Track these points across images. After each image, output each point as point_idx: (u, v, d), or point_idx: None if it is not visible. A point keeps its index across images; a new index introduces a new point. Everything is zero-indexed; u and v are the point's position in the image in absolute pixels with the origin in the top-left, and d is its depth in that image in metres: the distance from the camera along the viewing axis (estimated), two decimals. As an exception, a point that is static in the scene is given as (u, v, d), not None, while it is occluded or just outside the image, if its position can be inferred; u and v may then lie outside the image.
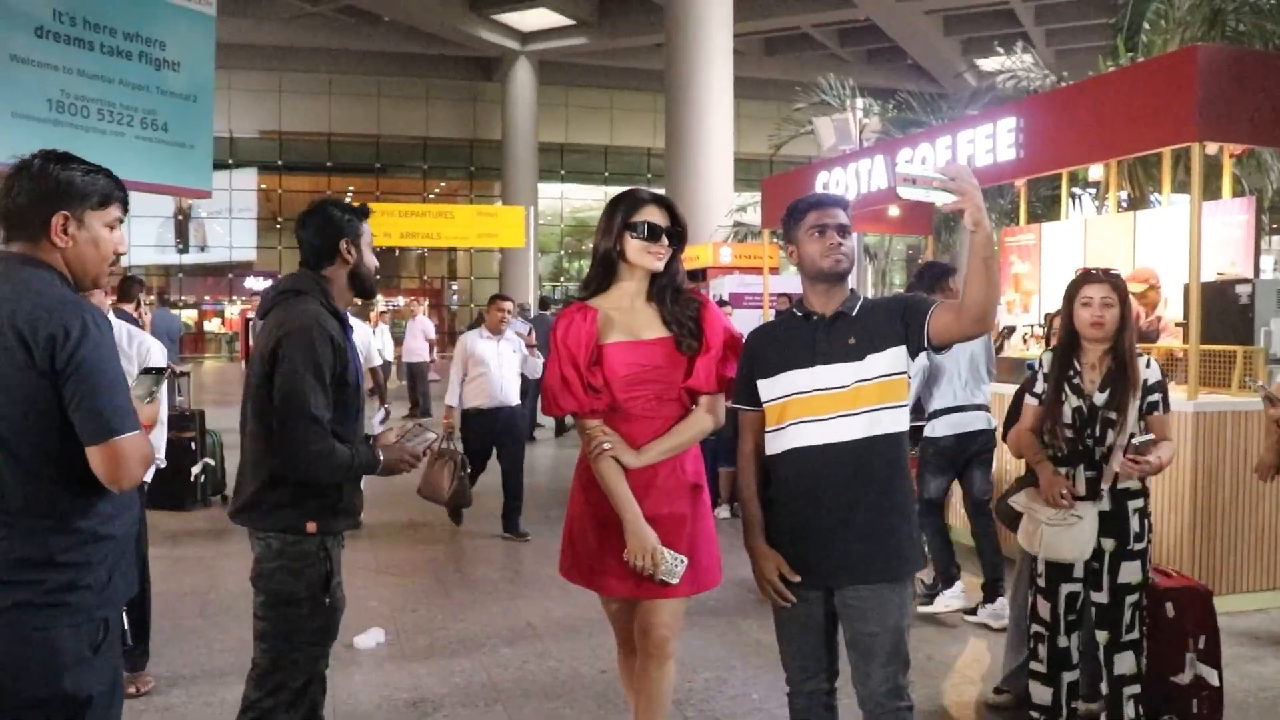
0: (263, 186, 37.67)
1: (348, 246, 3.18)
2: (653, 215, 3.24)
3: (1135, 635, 3.88)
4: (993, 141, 7.40)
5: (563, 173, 38.97)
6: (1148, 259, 7.94)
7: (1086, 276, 3.97)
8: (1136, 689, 3.86)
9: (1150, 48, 10.81)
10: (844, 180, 9.52)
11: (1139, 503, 3.89)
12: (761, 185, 11.51)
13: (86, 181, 2.44)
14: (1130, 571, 3.86)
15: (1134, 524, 3.86)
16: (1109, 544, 3.84)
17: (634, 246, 3.23)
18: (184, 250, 30.44)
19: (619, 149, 38.10)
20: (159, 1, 20.82)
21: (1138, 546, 3.87)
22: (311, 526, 3.08)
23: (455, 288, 39.56)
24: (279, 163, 37.47)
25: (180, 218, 26.66)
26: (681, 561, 3.14)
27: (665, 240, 3.23)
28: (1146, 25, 10.73)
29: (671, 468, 3.26)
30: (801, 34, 34.13)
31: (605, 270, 3.31)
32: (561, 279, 40.49)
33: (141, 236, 32.75)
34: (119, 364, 2.40)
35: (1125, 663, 3.86)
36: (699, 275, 15.36)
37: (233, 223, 36.49)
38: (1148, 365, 3.93)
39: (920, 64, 34.70)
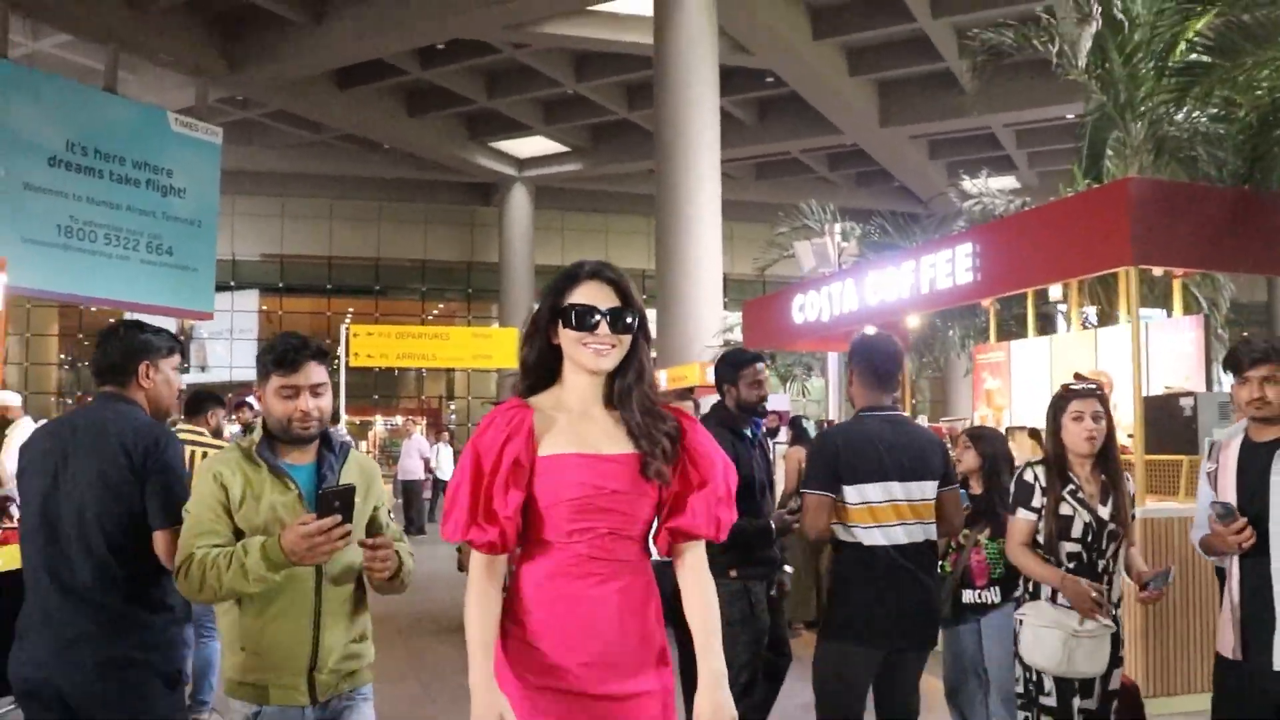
0: (264, 308, 38.36)
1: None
2: (589, 294, 2.43)
3: None
4: (952, 266, 7.88)
5: (561, 295, 39.74)
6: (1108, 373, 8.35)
7: (1074, 391, 4.01)
8: None
9: (1111, 174, 11.36)
10: (817, 303, 9.98)
11: (1117, 611, 3.98)
12: (743, 308, 11.99)
13: (158, 339, 3.40)
14: (1116, 678, 4.00)
15: (1122, 632, 4.02)
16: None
17: (567, 339, 2.44)
18: (185, 370, 30.88)
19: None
20: (167, 131, 21.85)
21: (1121, 653, 4.02)
22: None
23: (453, 407, 39.93)
24: (280, 285, 38.21)
25: (182, 338, 27.01)
26: None
27: (607, 327, 2.41)
28: (1110, 152, 11.25)
29: (638, 624, 2.46)
30: (791, 159, 35.04)
31: (541, 363, 2.52)
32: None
33: (143, 358, 33.29)
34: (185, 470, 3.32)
35: None
36: (687, 394, 15.75)
37: (233, 343, 37.04)
38: (1127, 479, 4.07)
39: (907, 186, 35.58)
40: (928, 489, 4.25)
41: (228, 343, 36.73)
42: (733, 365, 5.07)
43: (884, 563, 4.11)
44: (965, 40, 19.67)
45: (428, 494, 19.02)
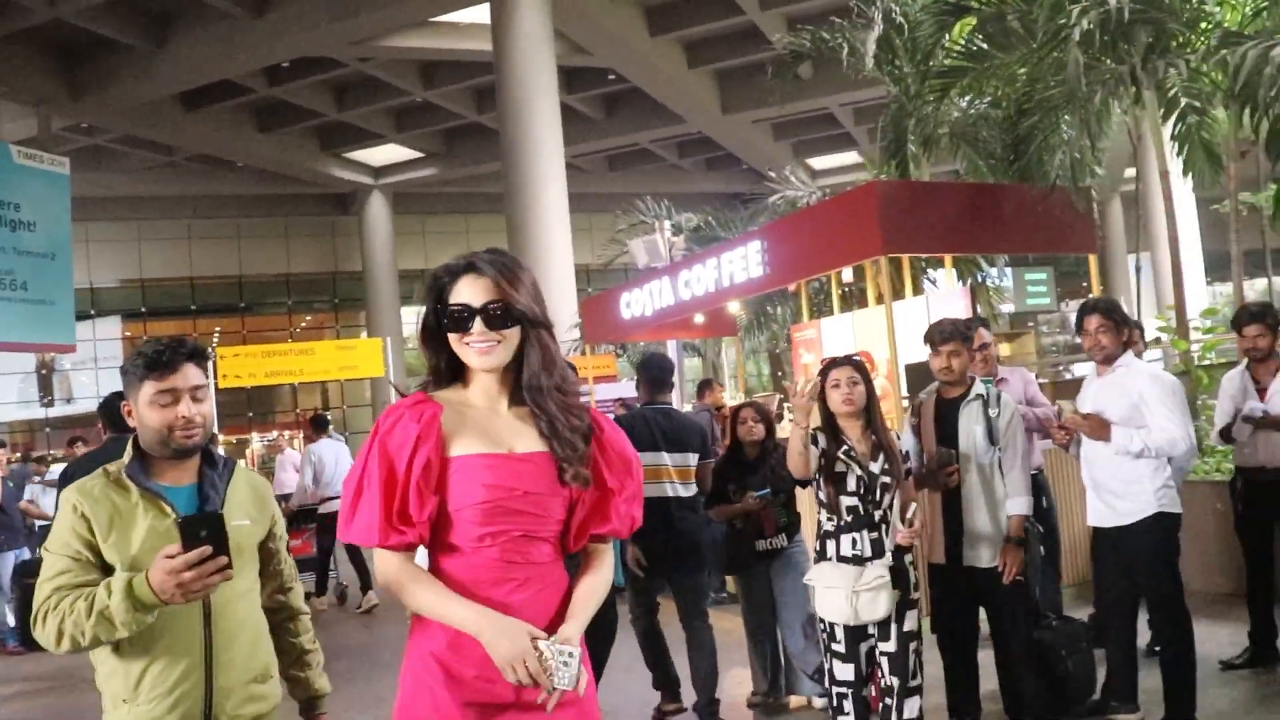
0: (127, 334, 37.88)
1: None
2: (464, 291, 2.31)
3: (919, 681, 4.45)
4: (745, 261, 8.87)
5: (425, 297, 40.00)
6: (907, 344, 9.43)
7: (832, 362, 4.64)
8: None
9: (914, 157, 12.45)
10: (641, 299, 10.94)
11: (910, 556, 4.51)
12: (581, 306, 12.88)
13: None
14: (911, 620, 4.44)
15: (911, 575, 4.48)
16: (896, 595, 4.37)
17: (452, 340, 2.34)
18: (49, 404, 30.52)
19: (479, 270, 39.25)
20: (10, 164, 21.59)
21: (915, 596, 4.49)
22: None
23: (330, 417, 40.15)
24: (142, 309, 37.78)
25: (44, 371, 26.94)
26: (573, 655, 2.22)
27: (483, 324, 2.29)
28: (911, 137, 12.31)
29: (557, 627, 2.32)
30: (642, 149, 35.96)
31: (448, 364, 2.40)
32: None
33: (3, 393, 32.86)
34: None
35: (913, 707, 4.41)
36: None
37: (98, 372, 36.62)
38: (898, 436, 4.76)
39: (756, 169, 36.75)
40: (689, 459, 5.83)
41: (92, 372, 36.33)
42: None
43: (658, 511, 5.32)
44: (792, 31, 20.81)
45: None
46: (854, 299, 12.16)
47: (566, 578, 2.42)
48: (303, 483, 11.26)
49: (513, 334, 2.31)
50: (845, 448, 4.45)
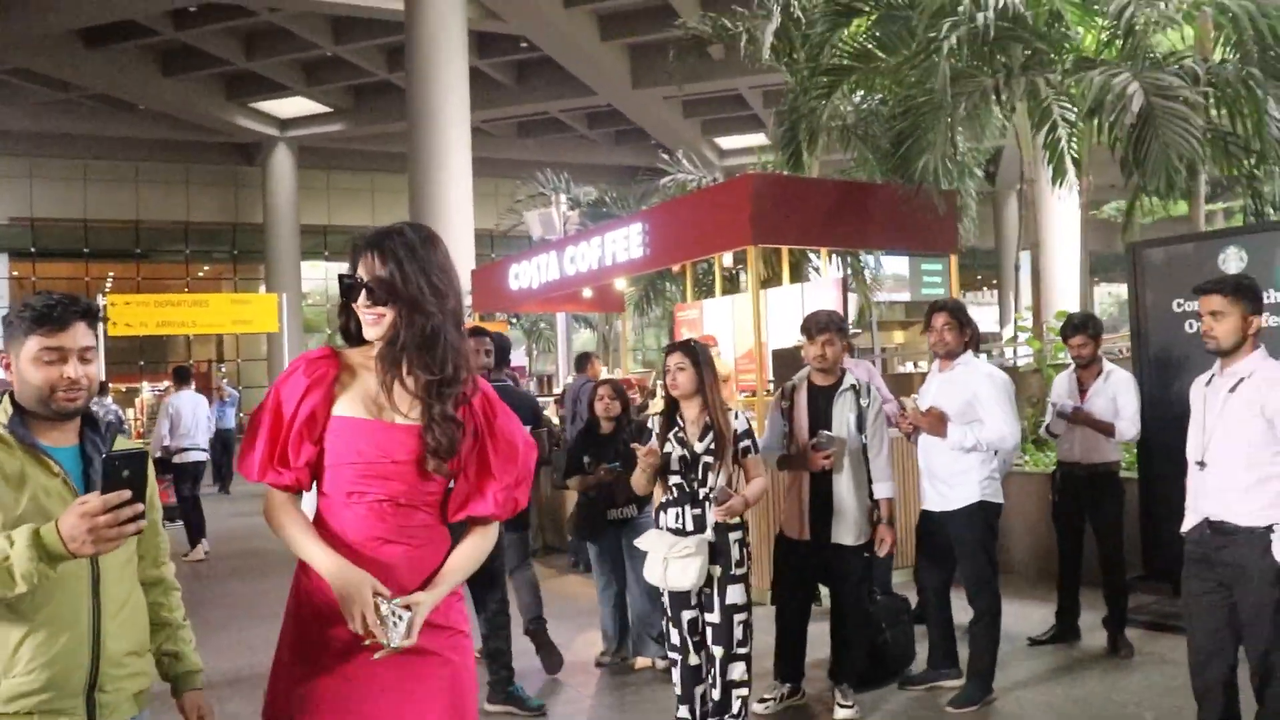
0: (15, 274, 37.01)
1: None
2: (362, 265, 2.45)
3: (746, 649, 4.76)
4: (628, 242, 9.20)
5: (326, 253, 39.69)
6: (777, 327, 9.85)
7: (668, 347, 4.99)
8: (745, 692, 4.79)
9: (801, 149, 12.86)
10: (529, 272, 11.23)
11: (738, 534, 4.75)
12: (471, 276, 13.11)
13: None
14: (735, 593, 4.70)
15: (735, 553, 4.70)
16: (716, 571, 4.66)
17: (354, 309, 2.49)
18: (-74, 343, 29.76)
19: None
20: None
21: (739, 572, 4.71)
22: None
23: (224, 370, 39.65)
24: (32, 249, 36.94)
25: (-74, 310, 26.23)
26: (404, 614, 2.34)
27: (365, 297, 2.42)
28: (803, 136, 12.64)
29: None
30: (551, 118, 36.05)
31: (354, 325, 2.54)
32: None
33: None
34: None
35: (737, 670, 4.74)
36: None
37: (-16, 312, 35.79)
38: (736, 417, 4.86)
39: (663, 144, 37.06)
40: None
41: (-23, 310, 35.47)
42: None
43: None
44: (704, 11, 21.10)
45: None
46: (736, 282, 12.57)
47: (448, 541, 2.54)
48: (159, 433, 11.24)
49: (392, 311, 2.41)
50: (677, 428, 4.78)
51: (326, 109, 34.36)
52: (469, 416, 2.51)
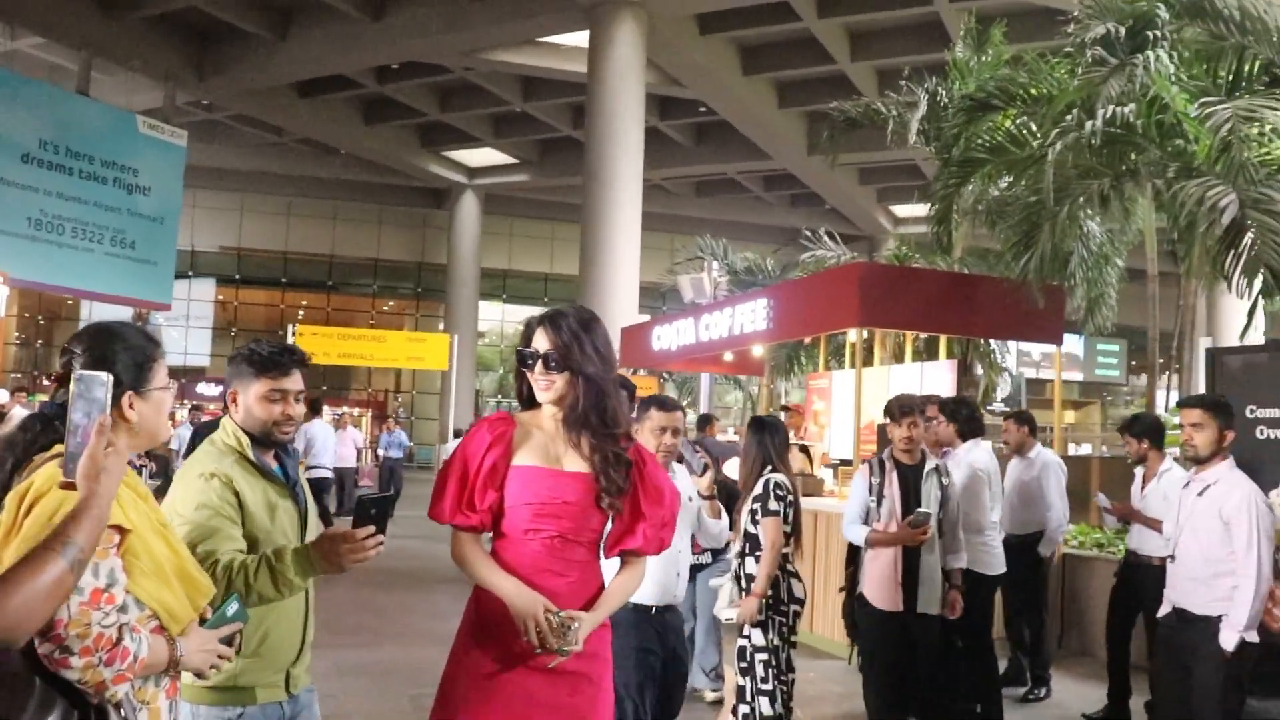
0: (220, 298, 39.83)
1: None
2: (536, 339, 2.94)
3: (769, 686, 5.31)
4: (754, 315, 9.92)
5: (504, 296, 41.39)
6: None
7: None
8: None
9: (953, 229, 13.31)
10: (668, 335, 12.04)
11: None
12: (621, 333, 13.99)
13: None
14: (757, 636, 5.36)
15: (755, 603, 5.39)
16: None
17: (529, 378, 2.96)
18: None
19: (559, 275, 40.32)
20: (134, 133, 23.48)
21: (760, 617, 5.33)
22: None
23: (399, 400, 41.61)
24: (237, 276, 39.76)
25: (139, 323, 28.42)
26: (575, 623, 2.78)
27: (542, 367, 2.89)
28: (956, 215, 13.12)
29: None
30: (728, 179, 36.90)
31: (529, 389, 2.99)
32: (499, 395, 42.52)
33: (100, 341, 34.77)
34: None
35: (764, 705, 5.30)
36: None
37: (189, 330, 38.51)
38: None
39: (838, 209, 37.38)
40: None
41: (183, 330, 38.20)
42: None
43: None
44: (883, 84, 21.65)
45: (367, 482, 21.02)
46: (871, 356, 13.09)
47: (601, 577, 2.96)
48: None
49: (560, 379, 2.88)
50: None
51: (513, 160, 36.00)
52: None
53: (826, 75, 26.62)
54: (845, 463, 10.18)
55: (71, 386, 2.02)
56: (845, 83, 26.30)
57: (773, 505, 5.42)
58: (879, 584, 5.62)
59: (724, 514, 5.14)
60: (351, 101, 31.24)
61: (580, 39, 23.58)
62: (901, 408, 5.73)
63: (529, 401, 3.00)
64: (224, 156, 34.62)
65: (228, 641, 2.39)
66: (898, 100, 13.32)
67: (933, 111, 12.41)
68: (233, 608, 2.48)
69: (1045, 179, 7.92)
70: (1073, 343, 16.63)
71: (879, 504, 5.66)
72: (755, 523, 5.42)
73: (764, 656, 5.37)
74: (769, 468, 5.49)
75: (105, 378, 2.05)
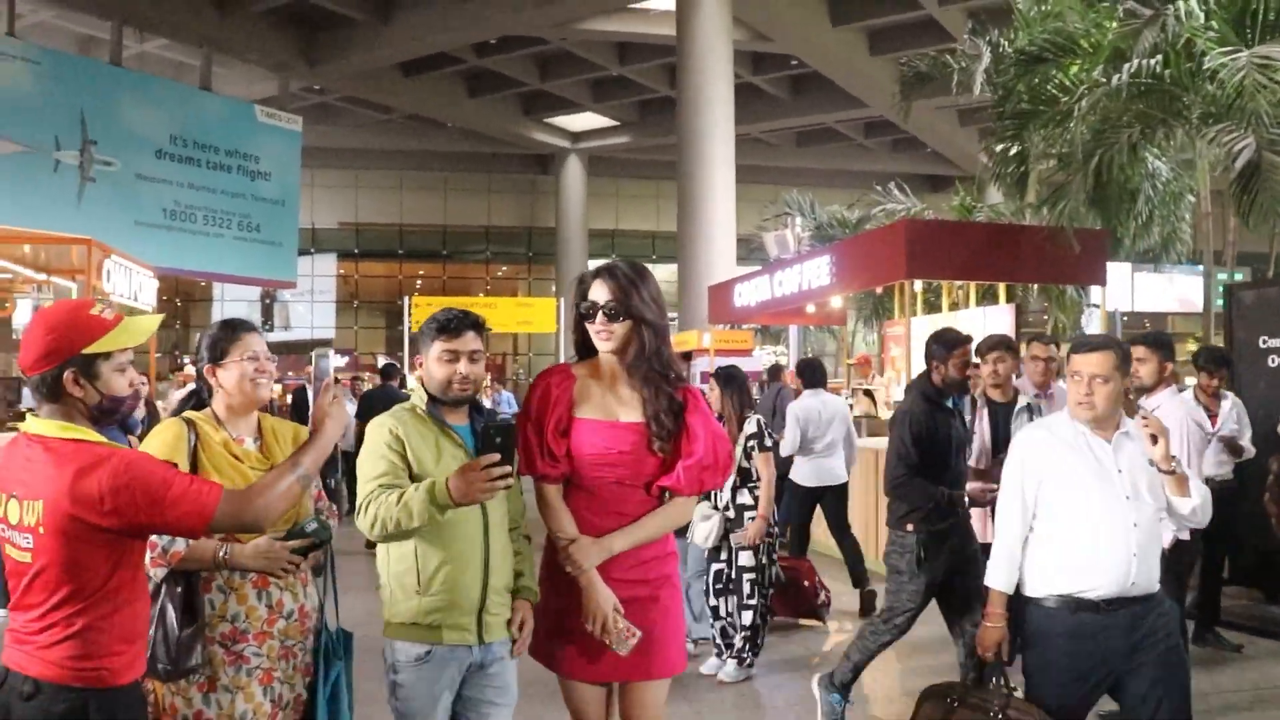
0: (341, 272, 41.42)
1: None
2: (595, 291, 3.09)
3: (754, 601, 6.14)
4: (819, 271, 10.66)
5: (614, 255, 42.17)
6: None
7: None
8: (749, 634, 6.16)
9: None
10: (748, 292, 12.83)
11: (752, 513, 6.18)
12: (709, 292, 14.80)
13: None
14: (745, 558, 6.15)
15: (750, 525, 6.17)
16: (735, 539, 6.18)
17: (588, 327, 3.13)
18: (270, 329, 33.82)
19: (664, 234, 40.89)
20: (254, 122, 25.01)
21: (750, 543, 6.15)
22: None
23: (517, 362, 42.87)
24: (355, 250, 41.37)
25: (267, 300, 30.02)
26: (634, 635, 3.03)
27: (603, 317, 3.05)
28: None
29: (630, 551, 3.13)
30: (827, 128, 37.02)
31: (585, 343, 3.18)
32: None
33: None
34: None
35: (746, 617, 6.15)
36: (686, 358, 18.34)
37: (314, 305, 40.19)
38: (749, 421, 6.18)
39: (939, 152, 37.19)
40: None
41: (309, 305, 39.89)
42: (946, 345, 5.28)
43: None
44: (974, 23, 21.82)
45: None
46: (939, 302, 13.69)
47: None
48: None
49: (620, 328, 3.05)
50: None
51: (614, 123, 36.77)
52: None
53: (917, 21, 26.57)
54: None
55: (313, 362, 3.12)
56: (935, 27, 26.20)
57: (767, 442, 6.26)
58: (974, 517, 5.50)
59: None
60: (454, 76, 32.22)
61: (670, 2, 24.16)
62: (988, 344, 5.82)
63: (583, 352, 3.22)
64: (337, 137, 36.10)
65: (304, 554, 3.05)
66: (964, 53, 13.72)
67: (996, 62, 12.82)
68: (311, 525, 3.06)
69: (1075, 132, 8.46)
70: (1185, 276, 16.84)
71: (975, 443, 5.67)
72: (749, 458, 6.17)
73: (751, 575, 6.20)
74: (747, 410, 6.27)
75: (326, 352, 3.06)
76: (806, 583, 7.33)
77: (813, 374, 8.46)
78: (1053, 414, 4.01)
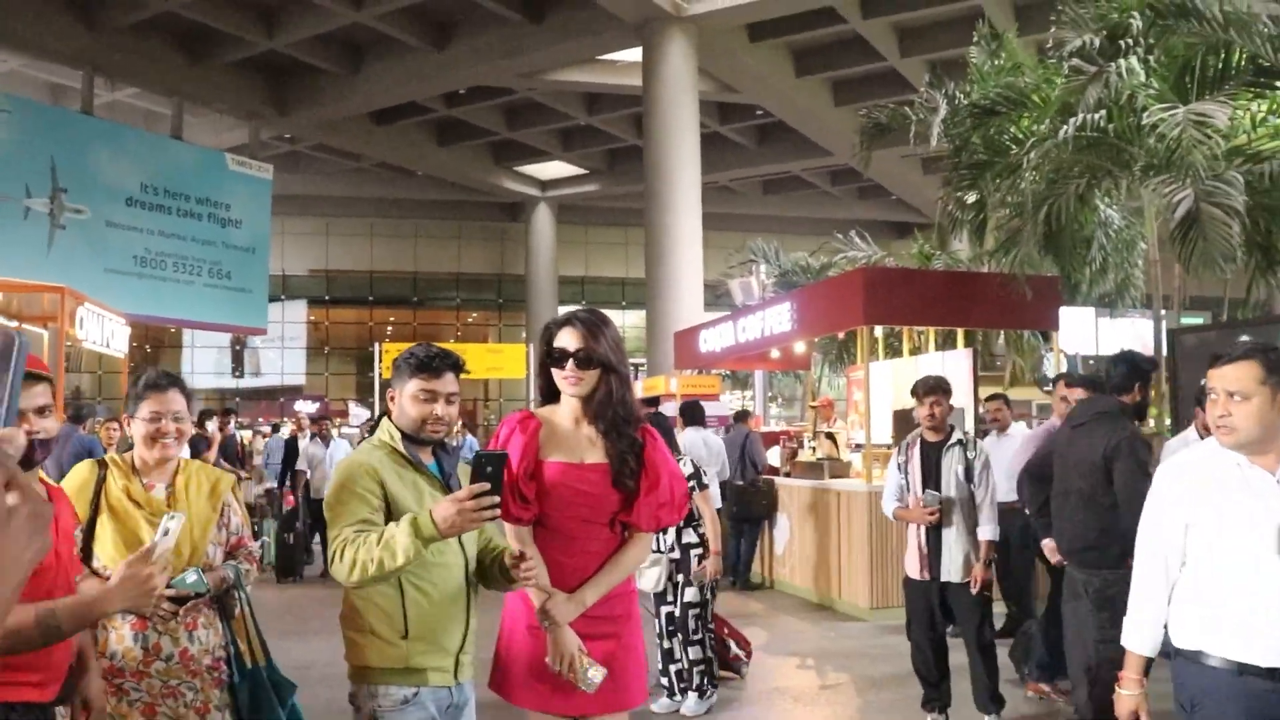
0: (311, 318, 41.47)
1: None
2: (564, 338, 3.17)
3: (699, 636, 6.41)
4: (780, 317, 10.91)
5: (583, 302, 42.48)
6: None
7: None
8: (703, 668, 6.42)
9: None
10: (712, 338, 13.07)
11: (698, 550, 6.41)
12: (674, 337, 15.06)
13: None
14: (691, 594, 6.38)
15: (693, 565, 6.38)
16: (680, 578, 6.41)
17: (555, 374, 3.20)
18: (239, 375, 33.75)
19: (634, 279, 41.02)
20: (225, 170, 25.17)
21: (694, 580, 6.40)
22: None
23: (489, 408, 42.93)
24: (326, 297, 41.44)
25: (237, 346, 30.04)
26: (600, 672, 3.09)
27: (574, 364, 3.14)
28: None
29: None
30: (794, 176, 37.44)
31: (550, 388, 3.26)
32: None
33: (202, 364, 36.90)
34: None
35: (694, 652, 6.40)
36: (652, 403, 18.54)
37: (284, 351, 40.21)
38: (682, 464, 6.15)
39: (905, 200, 37.70)
40: None
41: (279, 351, 39.93)
42: (1146, 371, 5.57)
43: None
44: (932, 76, 22.26)
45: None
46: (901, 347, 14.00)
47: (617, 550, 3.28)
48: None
49: (591, 374, 3.16)
50: None
51: (583, 171, 37.11)
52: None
53: (879, 72, 27.08)
54: (889, 446, 11.09)
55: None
56: (897, 78, 26.67)
57: (705, 480, 6.51)
58: (909, 554, 6.11)
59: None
60: (424, 125, 32.53)
61: (635, 54, 24.43)
62: (925, 387, 6.04)
63: (548, 397, 3.31)
64: (308, 184, 36.36)
65: (180, 603, 3.18)
66: (922, 104, 14.08)
67: (952, 114, 13.17)
68: (191, 577, 3.20)
69: (1026, 181, 8.79)
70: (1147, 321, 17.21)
71: (908, 481, 6.07)
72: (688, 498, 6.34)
73: (696, 611, 6.43)
74: (676, 453, 6.31)
75: (176, 515, 2.87)
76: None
77: (692, 414, 9.76)
78: (1205, 440, 3.32)
